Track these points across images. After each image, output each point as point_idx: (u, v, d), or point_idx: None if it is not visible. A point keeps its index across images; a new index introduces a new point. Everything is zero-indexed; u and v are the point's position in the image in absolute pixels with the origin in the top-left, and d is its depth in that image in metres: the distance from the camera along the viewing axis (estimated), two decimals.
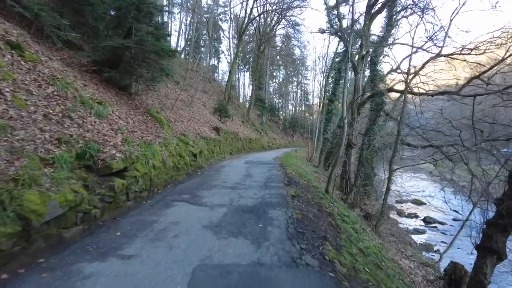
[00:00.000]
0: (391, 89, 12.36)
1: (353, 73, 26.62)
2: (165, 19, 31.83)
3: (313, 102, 53.42)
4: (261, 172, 10.53)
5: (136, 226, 4.31)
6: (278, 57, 49.50)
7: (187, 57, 36.17)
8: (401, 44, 15.13)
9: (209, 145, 14.34)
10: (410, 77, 11.23)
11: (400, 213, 20.35)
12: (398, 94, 17.30)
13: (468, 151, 14.49)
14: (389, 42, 16.39)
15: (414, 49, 14.11)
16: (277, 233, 4.13)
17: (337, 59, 24.92)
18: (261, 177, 9.15)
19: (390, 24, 17.26)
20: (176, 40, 38.31)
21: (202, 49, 41.90)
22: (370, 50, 14.70)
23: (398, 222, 18.01)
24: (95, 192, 4.48)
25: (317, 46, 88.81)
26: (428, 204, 22.64)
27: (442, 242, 15.16)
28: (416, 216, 19.55)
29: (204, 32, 39.11)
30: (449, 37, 11.27)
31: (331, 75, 25.27)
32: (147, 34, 9.06)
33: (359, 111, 14.12)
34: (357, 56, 14.41)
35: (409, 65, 11.20)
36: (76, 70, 8.34)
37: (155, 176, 6.34)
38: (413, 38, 11.68)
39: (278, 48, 45.78)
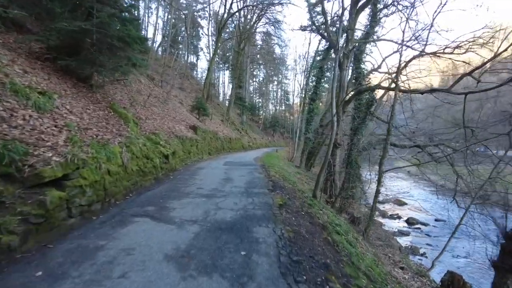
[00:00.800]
0: (380, 86, 11.62)
1: (337, 70, 26.17)
2: (141, 11, 30.04)
3: (293, 101, 52.90)
4: (242, 175, 9.42)
5: (72, 257, 3.09)
6: (258, 56, 48.53)
7: (164, 53, 34.49)
8: (387, 40, 14.46)
9: (185, 145, 13.07)
10: (399, 74, 10.49)
11: (383, 214, 19.88)
12: (380, 93, 16.76)
13: (454, 151, 14.09)
14: (374, 38, 15.76)
15: (400, 46, 13.49)
16: (266, 266, 3.02)
17: (318, 58, 24.23)
18: (242, 181, 8.04)
19: (374, 21, 16.69)
20: (153, 35, 36.44)
21: (180, 45, 40.19)
22: (356, 46, 13.94)
23: (382, 224, 17.47)
24: (14, 211, 3.22)
25: (297, 45, 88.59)
26: (409, 204, 22.47)
27: (427, 244, 14.68)
28: (399, 217, 19.13)
29: (182, 28, 37.50)
30: (439, 32, 10.66)
31: (313, 74, 24.56)
32: (111, 16, 7.75)
33: (345, 109, 13.33)
34: (342, 53, 13.60)
35: (400, 61, 10.43)
36: (23, 56, 6.91)
37: (111, 183, 5.09)
38: (403, 32, 10.89)
39: (258, 46, 44.83)
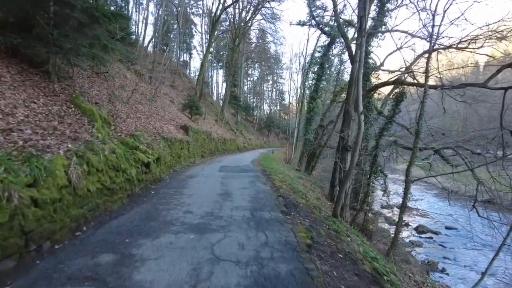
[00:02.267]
0: (404, 82, 9.76)
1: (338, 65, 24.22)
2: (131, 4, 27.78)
3: (289, 101, 51.00)
4: (242, 186, 7.45)
5: None
6: (253, 55, 46.55)
7: (155, 49, 32.27)
8: (400, 31, 12.70)
9: (174, 148, 11.05)
10: (428, 67, 8.67)
11: (389, 221, 18.17)
12: (384, 91, 15.00)
13: (475, 155, 12.38)
14: (385, 29, 13.97)
15: (422, 40, 11.78)
16: None
17: (318, 54, 22.39)
18: (245, 198, 6.07)
19: (382, 12, 14.94)
20: (143, 30, 34.15)
21: (173, 44, 37.96)
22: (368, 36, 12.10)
23: (390, 233, 15.73)
24: None
25: (294, 44, 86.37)
26: (413, 209, 20.80)
27: (445, 258, 12.95)
28: (407, 225, 17.37)
29: (175, 26, 35.27)
30: (456, 24, 8.94)
31: (312, 71, 22.72)
32: None
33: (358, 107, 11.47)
34: (353, 43, 11.74)
35: (429, 54, 8.61)
36: None
37: (43, 219, 3.10)
38: (425, 26, 9.11)
39: (253, 45, 42.89)
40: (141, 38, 33.32)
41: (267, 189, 7.20)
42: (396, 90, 13.20)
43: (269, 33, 35.22)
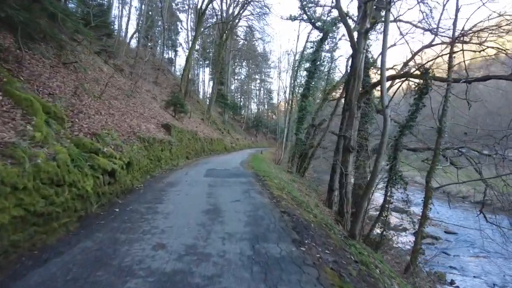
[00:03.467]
0: (418, 76, 8.42)
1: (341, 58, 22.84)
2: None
3: (278, 100, 49.50)
4: (234, 198, 5.91)
5: None
6: (240, 53, 44.91)
7: (138, 44, 30.19)
8: (405, 22, 11.47)
9: (153, 150, 9.38)
10: (452, 60, 7.37)
11: (387, 225, 17.04)
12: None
13: (483, 156, 11.29)
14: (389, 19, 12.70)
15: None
16: None
17: (310, 49, 21.07)
18: (240, 218, 4.52)
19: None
20: (126, 24, 31.99)
21: (157, 39, 35.80)
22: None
23: (394, 241, 14.57)
24: None
25: (282, 42, 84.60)
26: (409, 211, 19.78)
27: (451, 267, 11.84)
28: (405, 229, 16.28)
29: (160, 23, 33.17)
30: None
31: (305, 68, 21.36)
32: None
33: (360, 104, 10.16)
34: (356, 33, 10.38)
35: (454, 43, 7.31)
36: None
37: None
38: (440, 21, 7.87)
39: (241, 42, 41.28)
40: (123, 34, 31.26)
41: (266, 202, 5.67)
42: (403, 84, 12.02)
43: (257, 30, 33.71)
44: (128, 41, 29.71)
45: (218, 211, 4.82)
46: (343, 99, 19.61)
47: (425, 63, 8.83)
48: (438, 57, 9.07)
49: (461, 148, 10.75)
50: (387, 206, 8.20)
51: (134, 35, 29.82)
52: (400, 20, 10.45)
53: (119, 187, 5.59)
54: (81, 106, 7.69)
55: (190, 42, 36.98)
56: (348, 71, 21.39)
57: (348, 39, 10.01)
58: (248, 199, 5.77)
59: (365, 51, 10.04)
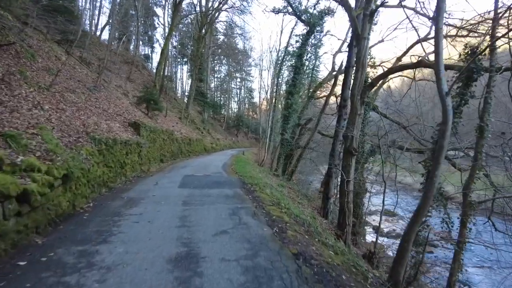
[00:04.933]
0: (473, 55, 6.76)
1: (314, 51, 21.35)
2: None
3: (260, 99, 47.59)
4: (219, 227, 3.98)
5: None
6: (220, 50, 42.76)
7: (110, 37, 27.38)
8: (409, 8, 10.01)
9: (114, 154, 7.30)
10: (493, 44, 5.89)
11: (379, 231, 15.72)
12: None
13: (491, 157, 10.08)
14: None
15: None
16: None
17: (296, 44, 19.48)
18: (231, 275, 2.68)
19: None
20: (97, 16, 29.01)
21: (132, 33, 32.94)
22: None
23: (384, 247, 13.23)
24: None
25: (264, 38, 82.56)
26: (399, 215, 18.65)
27: (458, 282, 10.59)
28: (399, 236, 15.02)
29: (133, 12, 30.38)
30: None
31: (291, 63, 19.77)
32: None
33: (364, 98, 8.60)
34: (361, 15, 8.79)
35: (499, 18, 5.86)
36: None
37: None
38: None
39: (220, 40, 39.17)
40: (93, 25, 28.26)
41: (266, 233, 3.84)
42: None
43: (237, 26, 31.81)
44: (99, 33, 26.91)
45: (193, 260, 2.94)
46: (333, 96, 18.27)
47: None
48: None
49: (467, 149, 9.47)
50: (426, 235, 6.43)
51: (106, 27, 27.02)
52: (405, 6, 8.93)
53: (43, 216, 3.59)
54: (9, 97, 5.61)
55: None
56: (334, 67, 20.11)
57: (349, 22, 8.41)
58: (239, 229, 3.92)
59: (369, 36, 8.46)
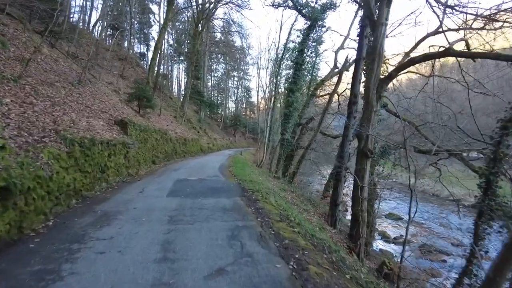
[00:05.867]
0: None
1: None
2: None
3: (258, 98, 46.29)
4: (214, 262, 2.84)
5: None
6: (217, 49, 41.51)
7: (101, 30, 26.12)
8: None
9: (90, 157, 6.10)
10: None
11: (386, 237, 14.69)
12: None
13: None
14: None
15: None
16: None
17: (297, 39, 18.36)
18: None
19: None
20: (89, 12, 27.70)
21: (126, 30, 31.60)
22: None
23: (393, 255, 12.14)
24: None
25: (262, 36, 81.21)
26: (405, 219, 17.60)
27: None
28: (408, 242, 13.89)
29: (127, 8, 29.08)
30: None
31: (292, 59, 18.62)
32: None
33: (381, 93, 7.49)
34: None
35: None
36: None
37: None
38: None
39: (218, 35, 37.93)
40: (85, 23, 26.91)
41: (280, 273, 2.65)
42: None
43: (235, 23, 30.62)
44: (91, 28, 25.60)
45: None
46: (336, 94, 17.17)
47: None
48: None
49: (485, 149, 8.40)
50: (478, 255, 5.21)
51: (98, 22, 25.69)
52: None
53: None
54: None
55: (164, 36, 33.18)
56: (337, 64, 19.01)
57: (362, 7, 7.30)
58: (242, 267, 2.75)
59: (387, 22, 7.34)
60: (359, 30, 9.70)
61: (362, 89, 9.55)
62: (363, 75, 9.16)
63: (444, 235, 14.33)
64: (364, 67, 9.22)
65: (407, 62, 7.02)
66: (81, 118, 7.67)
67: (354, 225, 7.83)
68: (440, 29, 13.62)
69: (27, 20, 11.98)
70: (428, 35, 13.28)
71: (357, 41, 11.59)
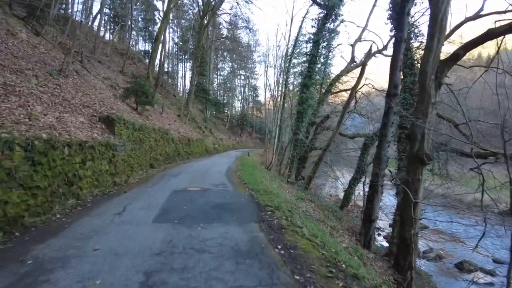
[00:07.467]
0: None
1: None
2: None
3: (265, 97, 44.26)
4: None
5: None
6: (223, 47, 39.65)
7: (100, 22, 24.41)
8: None
9: (45, 166, 4.25)
10: None
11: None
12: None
13: None
14: None
15: None
16: None
17: (312, 29, 16.39)
18: None
19: None
20: (90, 4, 25.99)
21: (134, 32, 29.94)
22: None
23: (428, 274, 10.10)
24: None
25: (270, 32, 78.62)
26: (430, 228, 15.47)
27: None
28: (440, 257, 11.81)
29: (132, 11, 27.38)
30: None
31: (306, 52, 16.66)
32: None
33: (442, 78, 5.50)
34: None
35: None
36: None
37: None
38: None
39: (224, 31, 36.05)
40: (87, 16, 25.25)
41: None
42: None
43: (242, 18, 28.77)
44: (90, 22, 23.93)
45: None
46: (350, 90, 15.12)
47: None
48: None
49: None
50: None
51: (98, 16, 23.98)
52: None
53: None
54: None
55: (169, 35, 31.51)
56: (354, 58, 16.97)
57: None
58: None
59: None
60: (391, 8, 7.74)
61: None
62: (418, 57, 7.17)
63: (469, 242, 12.19)
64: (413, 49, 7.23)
65: (483, 36, 5.03)
66: (50, 112, 5.84)
67: (401, 252, 5.87)
68: (482, 12, 11.72)
69: (6, 3, 10.28)
70: (467, 19, 11.44)
71: (392, 22, 9.63)
